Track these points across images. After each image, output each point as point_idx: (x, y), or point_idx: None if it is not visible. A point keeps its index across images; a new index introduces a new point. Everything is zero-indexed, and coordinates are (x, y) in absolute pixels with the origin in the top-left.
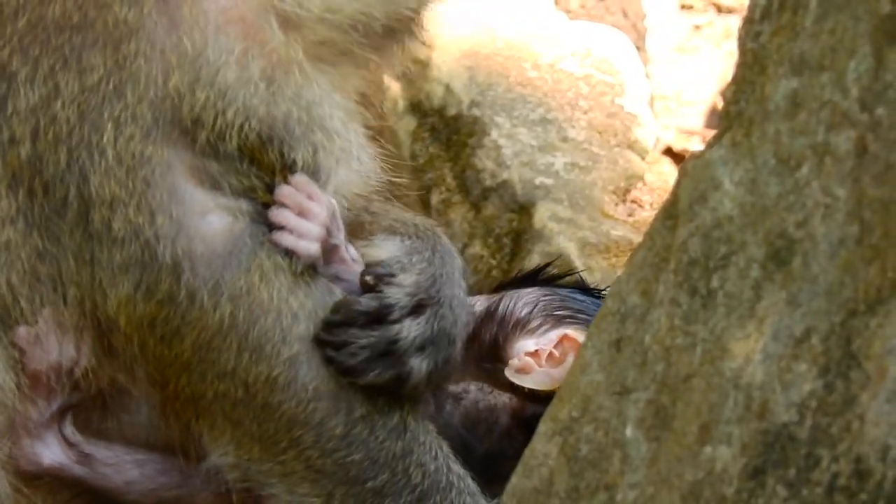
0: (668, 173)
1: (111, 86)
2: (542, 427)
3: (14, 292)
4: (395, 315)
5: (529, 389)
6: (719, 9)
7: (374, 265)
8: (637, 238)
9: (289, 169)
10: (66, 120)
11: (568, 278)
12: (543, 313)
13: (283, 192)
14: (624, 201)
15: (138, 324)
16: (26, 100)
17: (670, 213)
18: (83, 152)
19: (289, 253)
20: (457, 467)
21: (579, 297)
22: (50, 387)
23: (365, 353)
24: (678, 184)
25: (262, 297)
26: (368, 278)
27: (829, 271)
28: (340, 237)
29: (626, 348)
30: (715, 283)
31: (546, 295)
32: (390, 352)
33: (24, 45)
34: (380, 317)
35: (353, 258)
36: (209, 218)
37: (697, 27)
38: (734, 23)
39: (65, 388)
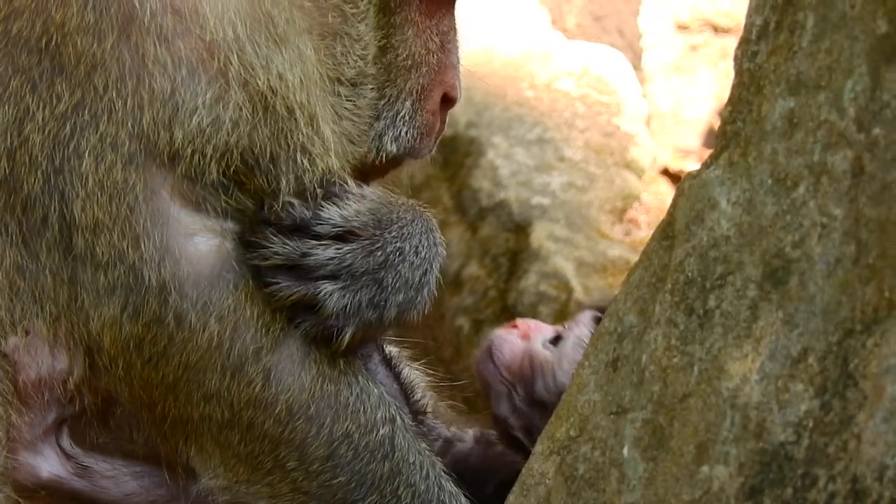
0: (665, 193)
1: (86, 116)
2: (540, 446)
3: None
4: (318, 231)
5: None
6: (715, 29)
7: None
8: (634, 257)
9: (274, 193)
10: (40, 145)
11: None
12: None
13: None
14: (620, 221)
15: (124, 345)
16: None
17: (667, 232)
18: (61, 178)
19: None
20: (449, 486)
21: None
22: (43, 399)
23: (277, 259)
24: (675, 203)
25: (246, 315)
26: (319, 190)
27: (826, 291)
28: None
29: (622, 368)
30: (711, 302)
31: None
32: (299, 266)
33: None
34: (304, 228)
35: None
36: (195, 240)
37: (694, 47)
38: (730, 43)
39: (58, 400)
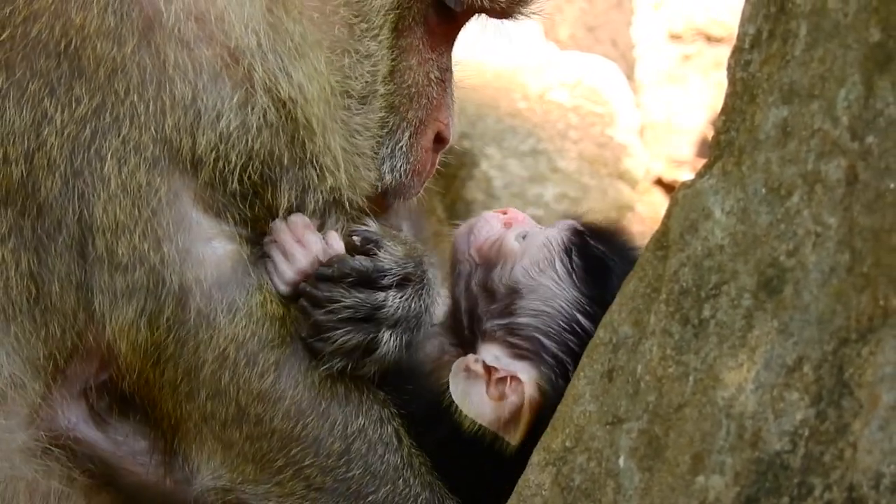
0: (659, 203)
1: (107, 119)
2: (536, 457)
3: (14, 308)
4: (386, 282)
5: (453, 404)
6: (708, 38)
7: (362, 228)
8: None
9: (281, 208)
10: (59, 148)
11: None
12: (535, 333)
13: (276, 228)
14: None
15: (139, 350)
16: (15, 121)
17: (661, 242)
18: (81, 180)
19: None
20: (445, 492)
21: (591, 326)
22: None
23: (347, 312)
24: (669, 213)
25: (266, 314)
26: (356, 238)
27: (821, 300)
28: None
29: (618, 378)
30: (706, 312)
31: (562, 313)
32: (372, 318)
33: (8, 63)
34: (370, 280)
35: (298, 307)
36: (214, 244)
37: (687, 57)
38: (723, 52)
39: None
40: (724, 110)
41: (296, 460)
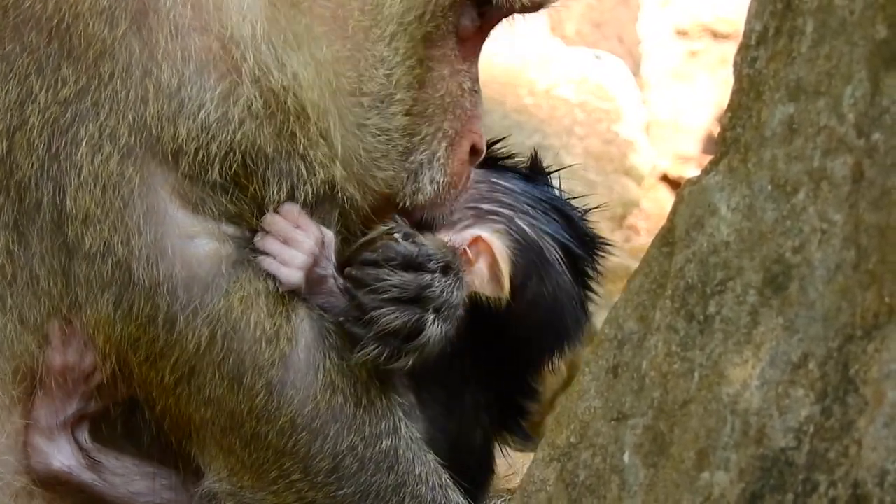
0: (665, 199)
1: (87, 103)
2: (540, 453)
3: None
4: (433, 265)
5: None
6: (715, 35)
7: (398, 225)
8: (633, 264)
9: (269, 201)
10: (39, 128)
11: (514, 161)
12: (468, 204)
13: (270, 219)
14: (620, 227)
15: (118, 344)
16: (1, 97)
17: (667, 239)
18: (56, 164)
19: (273, 278)
20: (456, 496)
21: (515, 186)
22: (65, 388)
23: (394, 292)
24: (674, 210)
25: (242, 323)
26: (396, 234)
27: (826, 297)
28: (329, 268)
29: (623, 374)
30: (712, 308)
31: (479, 182)
32: (419, 299)
33: None
34: (416, 263)
35: (341, 289)
36: (195, 242)
37: (693, 53)
38: (729, 49)
39: (81, 392)
40: (730, 107)
41: (287, 474)
